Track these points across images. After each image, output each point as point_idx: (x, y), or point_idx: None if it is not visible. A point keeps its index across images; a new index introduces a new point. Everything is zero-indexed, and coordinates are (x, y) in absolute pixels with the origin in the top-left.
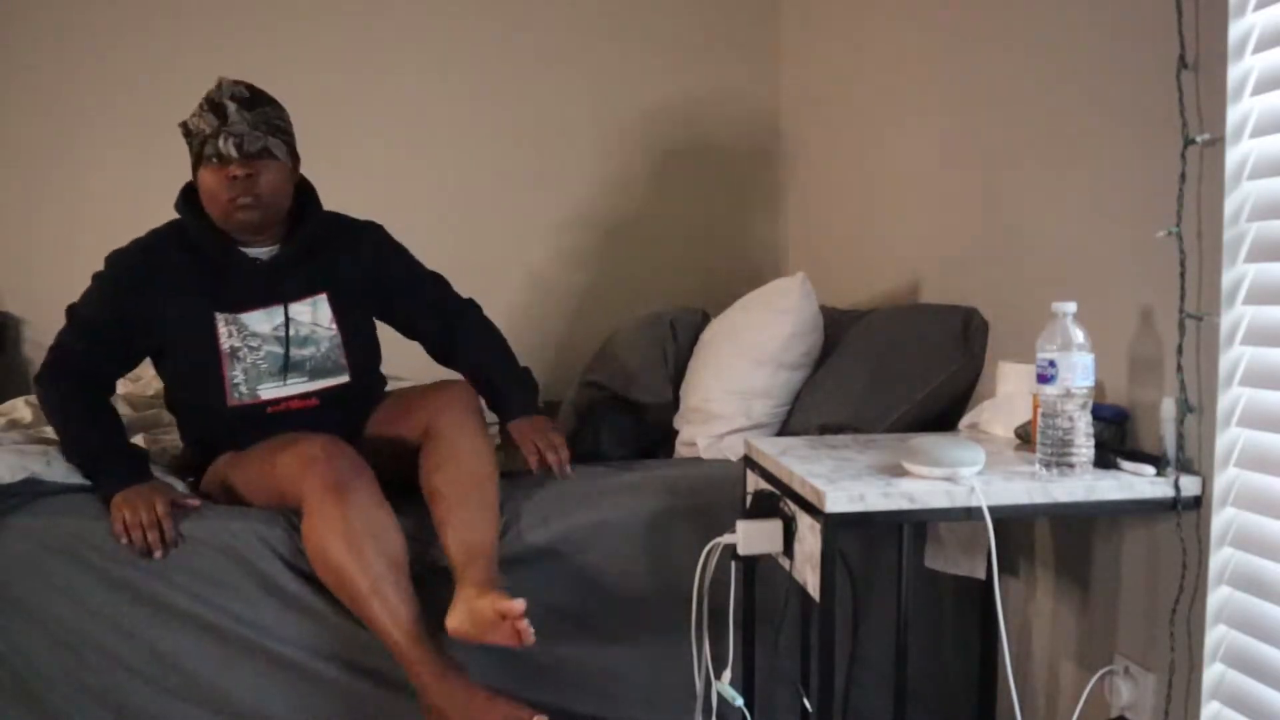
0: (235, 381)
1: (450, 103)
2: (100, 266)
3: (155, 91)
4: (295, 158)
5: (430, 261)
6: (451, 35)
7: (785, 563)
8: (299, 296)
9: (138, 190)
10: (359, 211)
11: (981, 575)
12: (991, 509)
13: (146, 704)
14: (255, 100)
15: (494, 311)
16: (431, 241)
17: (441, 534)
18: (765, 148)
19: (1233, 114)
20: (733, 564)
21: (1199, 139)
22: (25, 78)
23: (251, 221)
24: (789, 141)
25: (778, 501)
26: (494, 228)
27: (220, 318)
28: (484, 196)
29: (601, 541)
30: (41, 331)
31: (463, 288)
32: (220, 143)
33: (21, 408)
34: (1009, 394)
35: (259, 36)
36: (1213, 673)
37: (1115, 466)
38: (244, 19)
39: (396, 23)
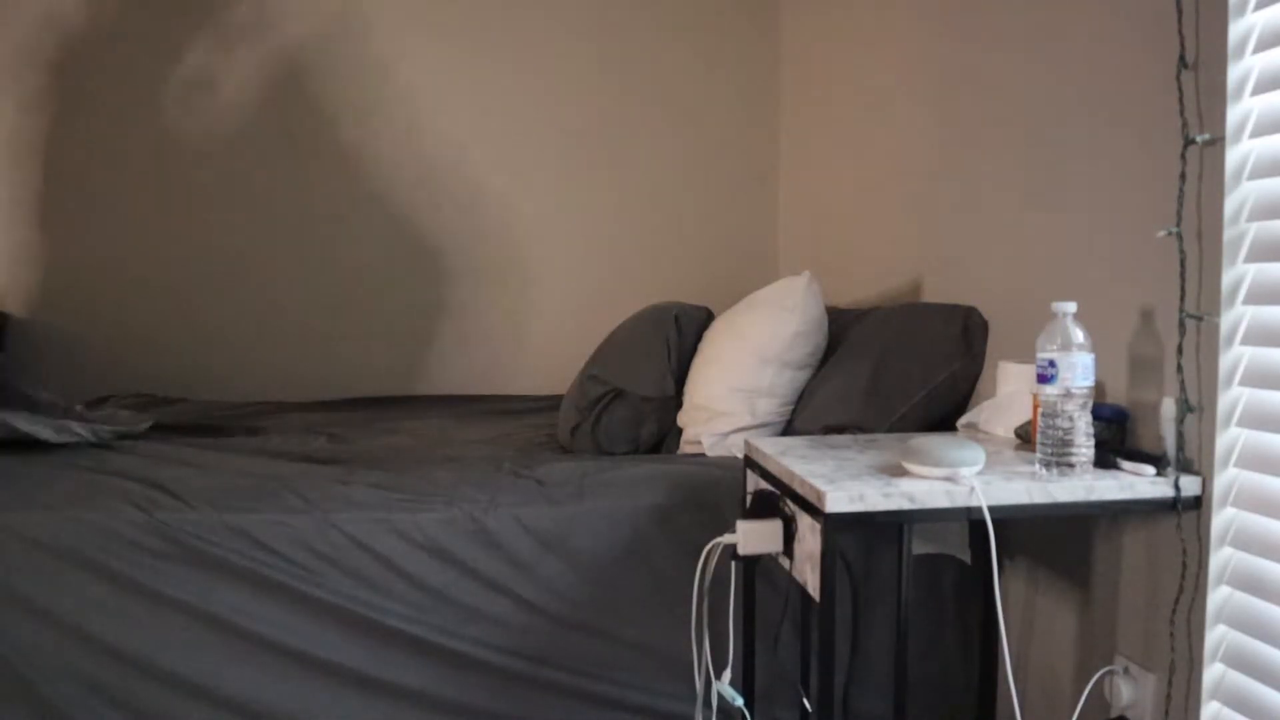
0: None
1: (451, 103)
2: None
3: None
4: None
5: (434, 260)
6: (450, 33)
7: (785, 563)
8: None
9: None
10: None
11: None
12: (991, 509)
13: (144, 698)
14: None
15: (494, 308)
16: (433, 240)
17: None
18: (765, 146)
19: (1233, 114)
20: (733, 564)
21: (1199, 139)
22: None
23: None
24: (789, 140)
25: (778, 501)
26: (494, 227)
27: None
28: (485, 195)
29: (601, 531)
30: (40, 330)
31: (463, 285)
32: None
33: None
34: (1009, 394)
35: None
36: (1213, 673)
37: (1115, 466)
38: None
39: (399, 13)
